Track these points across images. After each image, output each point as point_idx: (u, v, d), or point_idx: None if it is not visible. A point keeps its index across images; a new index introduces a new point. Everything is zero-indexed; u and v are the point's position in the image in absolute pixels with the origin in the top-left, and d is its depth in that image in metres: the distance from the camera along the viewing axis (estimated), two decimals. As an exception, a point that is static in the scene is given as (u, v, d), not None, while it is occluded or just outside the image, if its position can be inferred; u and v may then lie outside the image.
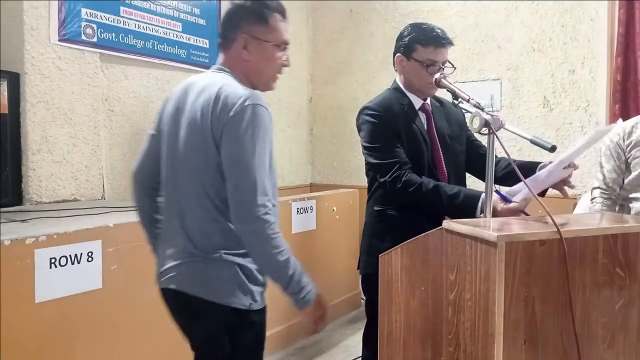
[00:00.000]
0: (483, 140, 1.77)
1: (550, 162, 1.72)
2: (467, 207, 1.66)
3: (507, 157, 1.58)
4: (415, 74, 1.86)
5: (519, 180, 1.62)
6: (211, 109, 1.41)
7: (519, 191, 1.68)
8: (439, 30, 1.85)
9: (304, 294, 1.44)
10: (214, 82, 1.46)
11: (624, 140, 2.17)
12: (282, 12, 1.52)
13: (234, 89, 1.44)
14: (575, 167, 1.73)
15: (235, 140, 1.38)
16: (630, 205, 2.18)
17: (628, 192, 2.19)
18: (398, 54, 1.91)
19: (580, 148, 1.63)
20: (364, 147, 1.90)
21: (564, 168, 1.68)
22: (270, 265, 1.44)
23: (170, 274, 1.51)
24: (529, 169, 1.77)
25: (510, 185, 1.75)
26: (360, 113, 1.93)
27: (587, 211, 3.28)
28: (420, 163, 1.84)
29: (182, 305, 1.52)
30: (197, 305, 1.46)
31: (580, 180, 3.93)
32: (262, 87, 1.56)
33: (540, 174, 1.71)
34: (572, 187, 1.75)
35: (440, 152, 1.89)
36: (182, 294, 1.48)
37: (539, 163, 1.81)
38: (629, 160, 2.16)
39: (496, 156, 1.91)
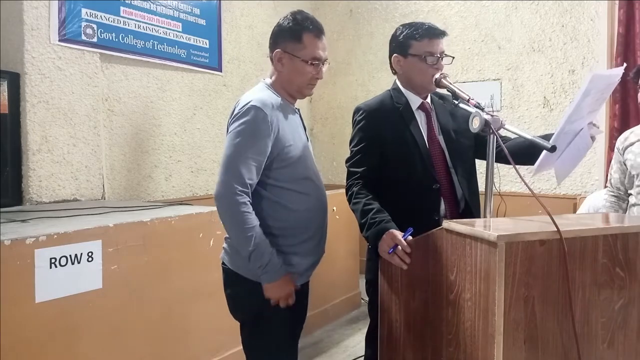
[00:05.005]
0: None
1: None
2: (371, 240, 1.71)
3: (505, 153, 1.56)
4: (416, 69, 1.87)
5: (537, 157, 1.64)
6: (229, 116, 1.69)
7: (549, 164, 1.68)
8: (429, 23, 1.88)
9: (261, 274, 1.59)
10: (245, 94, 1.69)
11: (622, 144, 2.36)
12: (317, 32, 1.67)
13: (247, 96, 1.66)
14: (596, 125, 1.71)
15: (228, 134, 1.63)
16: (629, 200, 2.35)
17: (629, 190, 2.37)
18: (394, 55, 1.92)
19: (581, 97, 1.53)
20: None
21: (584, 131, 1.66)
22: (233, 239, 1.63)
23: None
24: (539, 144, 1.64)
25: (528, 161, 1.74)
26: (353, 112, 1.98)
27: (591, 211, 3.30)
28: (410, 165, 1.84)
29: None
30: None
31: (581, 181, 3.94)
32: (296, 95, 1.77)
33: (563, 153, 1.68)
34: (597, 126, 1.73)
35: (444, 150, 1.89)
36: None
37: (550, 135, 1.67)
38: (625, 162, 2.33)
39: (509, 137, 1.92)
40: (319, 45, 1.67)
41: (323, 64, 1.71)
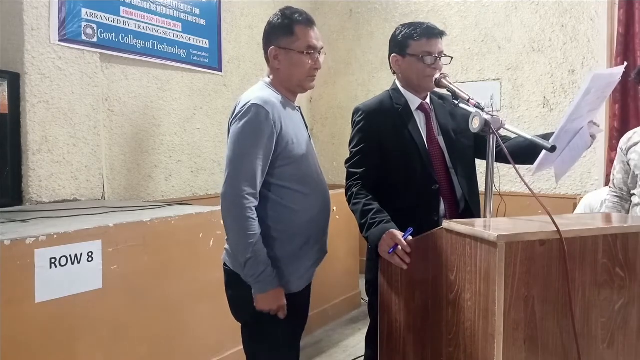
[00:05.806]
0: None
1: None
2: (371, 240, 1.72)
3: (505, 153, 1.57)
4: (413, 68, 1.87)
5: (537, 157, 1.64)
6: (229, 116, 1.67)
7: (549, 163, 1.68)
8: (428, 23, 1.88)
9: (254, 282, 1.57)
10: (245, 94, 1.67)
11: (625, 144, 2.36)
12: (307, 22, 1.67)
13: (247, 95, 1.64)
14: (597, 124, 1.71)
15: (231, 134, 1.61)
16: (632, 200, 2.35)
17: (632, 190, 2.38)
18: (393, 55, 1.93)
19: (582, 96, 1.52)
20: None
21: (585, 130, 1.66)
22: (232, 242, 1.61)
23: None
24: (539, 144, 1.62)
25: (528, 161, 1.73)
26: (352, 113, 1.98)
27: (588, 211, 3.30)
28: (409, 166, 1.84)
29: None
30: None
31: (581, 181, 3.94)
32: (298, 90, 1.75)
33: (563, 152, 1.68)
34: (598, 125, 1.72)
35: (443, 151, 1.89)
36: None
37: (550, 134, 1.67)
38: (629, 162, 2.33)
39: (509, 137, 1.91)
40: (311, 35, 1.66)
41: (319, 53, 1.70)
